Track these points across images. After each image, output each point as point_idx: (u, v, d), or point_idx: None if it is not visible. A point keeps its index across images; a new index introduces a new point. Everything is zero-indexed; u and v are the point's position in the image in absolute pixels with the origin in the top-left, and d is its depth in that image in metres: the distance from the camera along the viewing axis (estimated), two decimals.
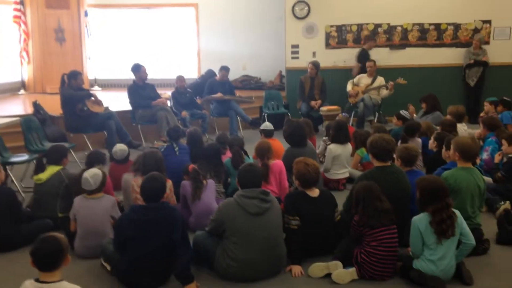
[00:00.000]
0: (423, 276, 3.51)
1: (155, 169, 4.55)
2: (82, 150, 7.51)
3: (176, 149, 5.71)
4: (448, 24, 10.13)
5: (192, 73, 12.19)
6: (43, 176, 4.82)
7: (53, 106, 8.17)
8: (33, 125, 6.58)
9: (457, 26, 10.13)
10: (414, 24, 10.19)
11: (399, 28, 10.24)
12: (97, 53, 12.41)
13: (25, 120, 6.52)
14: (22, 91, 11.38)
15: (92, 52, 12.20)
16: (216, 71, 9.68)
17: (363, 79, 9.35)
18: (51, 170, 4.86)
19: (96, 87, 12.11)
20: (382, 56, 10.04)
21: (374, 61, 9.35)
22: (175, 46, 12.77)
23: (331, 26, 10.31)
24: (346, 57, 10.28)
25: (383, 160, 4.18)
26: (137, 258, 3.60)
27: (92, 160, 4.90)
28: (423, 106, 7.91)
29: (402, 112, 7.54)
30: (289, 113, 9.61)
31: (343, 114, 7.95)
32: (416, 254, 3.60)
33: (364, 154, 5.96)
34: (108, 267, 3.93)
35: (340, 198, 4.59)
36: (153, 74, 11.10)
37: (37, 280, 2.67)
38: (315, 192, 4.05)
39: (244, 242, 3.65)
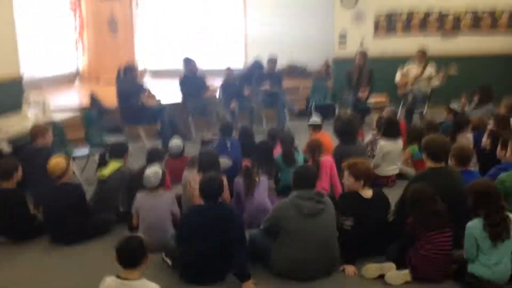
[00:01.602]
0: (479, 281, 3.55)
1: (211, 168, 4.73)
2: (137, 141, 7.77)
3: (228, 144, 5.85)
4: (503, 11, 9.81)
5: (238, 62, 12.30)
6: (106, 172, 5.06)
7: (108, 97, 8.45)
8: (93, 119, 6.87)
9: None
10: (467, 12, 9.93)
11: (450, 16, 10.01)
12: (147, 43, 12.69)
13: (86, 115, 6.81)
14: (77, 82, 11.79)
15: (143, 42, 12.47)
16: (263, 59, 9.74)
17: (413, 69, 9.19)
18: (113, 165, 5.09)
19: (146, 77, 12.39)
20: (433, 44, 9.85)
21: (423, 50, 9.17)
22: (223, 33, 12.86)
23: (380, 14, 10.17)
24: (395, 46, 10.15)
25: (438, 161, 4.19)
26: (196, 255, 3.78)
27: (153, 157, 5.10)
28: (476, 98, 7.73)
29: (452, 105, 7.46)
30: (336, 105, 9.59)
31: (390, 107, 7.87)
32: (470, 259, 3.63)
33: (416, 151, 5.94)
34: (169, 262, 4.14)
35: (390, 195, 4.58)
36: (200, 64, 11.42)
37: (118, 277, 2.86)
38: (368, 193, 4.12)
39: (299, 242, 3.78)
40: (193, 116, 8.55)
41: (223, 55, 12.57)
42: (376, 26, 10.24)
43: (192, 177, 4.81)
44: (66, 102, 9.12)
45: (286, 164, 5.56)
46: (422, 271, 3.70)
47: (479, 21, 9.93)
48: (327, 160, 5.25)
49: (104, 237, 4.84)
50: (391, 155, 5.77)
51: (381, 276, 3.82)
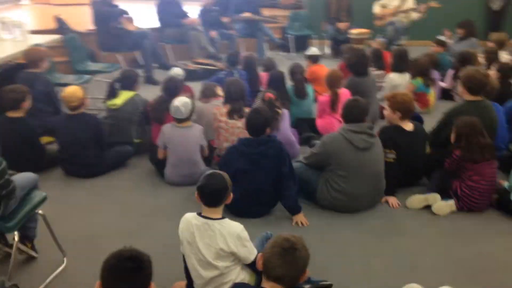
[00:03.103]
0: None
1: (240, 97, 4.53)
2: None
3: (237, 75, 5.60)
4: None
5: None
6: (118, 101, 4.71)
7: (69, 20, 7.79)
8: (77, 43, 6.32)
9: None
10: None
11: None
12: None
13: (69, 39, 6.25)
14: (25, 1, 10.76)
15: None
16: None
17: (392, 1, 9.15)
18: (125, 95, 4.75)
19: None
20: None
21: None
22: None
23: None
24: None
25: (478, 94, 4.22)
26: (247, 189, 3.64)
27: (170, 87, 4.77)
28: (460, 32, 7.85)
29: (441, 37, 7.54)
30: (312, 35, 9.42)
31: (381, 39, 7.84)
32: None
33: (419, 84, 5.98)
34: None
35: None
36: None
37: (200, 215, 2.69)
38: (409, 126, 4.10)
39: (352, 175, 3.73)
40: (170, 44, 8.09)
41: None
42: None
43: (217, 108, 4.58)
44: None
45: (297, 96, 5.44)
46: (469, 201, 3.79)
47: None
48: (344, 92, 5.17)
49: (121, 169, 4.59)
50: (399, 88, 5.76)
51: (425, 207, 3.88)
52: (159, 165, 4.39)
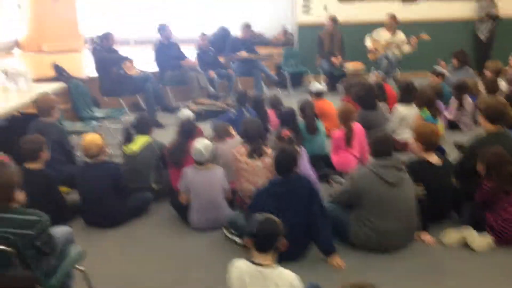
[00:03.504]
0: None
1: (258, 136, 4.51)
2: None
3: (247, 114, 5.59)
4: None
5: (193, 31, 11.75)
6: (135, 147, 4.65)
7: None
8: (81, 90, 6.27)
9: None
10: None
11: None
12: (91, 10, 11.78)
13: (74, 85, 6.21)
14: (16, 50, 10.73)
15: (87, 8, 11.57)
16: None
17: (384, 35, 9.33)
18: (142, 140, 4.69)
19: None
20: (394, 10, 9.99)
21: (394, 15, 9.31)
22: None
23: None
24: (360, 11, 10.20)
25: (498, 122, 4.24)
26: None
27: (187, 129, 4.73)
28: (454, 62, 8.01)
29: (438, 67, 7.68)
30: (308, 71, 9.52)
31: (378, 72, 7.94)
32: None
33: (427, 115, 6.02)
34: (238, 240, 3.91)
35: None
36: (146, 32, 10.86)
37: (252, 262, 2.62)
38: (435, 158, 4.09)
39: (385, 212, 3.68)
40: (171, 85, 8.09)
41: (176, 23, 11.94)
42: None
43: (237, 148, 4.54)
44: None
45: (309, 133, 5.43)
46: (507, 235, 3.74)
47: None
48: (358, 127, 5.18)
49: (142, 217, 4.49)
50: (407, 120, 5.80)
51: (461, 241, 3.83)
52: (182, 210, 4.31)
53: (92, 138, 4.20)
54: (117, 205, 4.28)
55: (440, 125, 6.17)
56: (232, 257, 3.72)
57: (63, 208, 4.25)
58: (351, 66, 8.91)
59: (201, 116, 7.24)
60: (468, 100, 6.51)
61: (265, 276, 2.56)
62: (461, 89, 6.42)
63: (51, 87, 6.00)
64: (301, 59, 9.71)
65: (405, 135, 5.87)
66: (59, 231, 2.96)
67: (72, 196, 4.58)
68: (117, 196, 4.29)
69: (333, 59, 9.16)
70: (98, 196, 4.20)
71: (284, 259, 3.56)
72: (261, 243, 2.62)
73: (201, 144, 4.16)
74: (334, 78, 9.11)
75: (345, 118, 5.14)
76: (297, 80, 9.62)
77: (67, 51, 10.42)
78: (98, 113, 6.28)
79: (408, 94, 5.87)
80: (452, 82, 7.22)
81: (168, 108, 7.64)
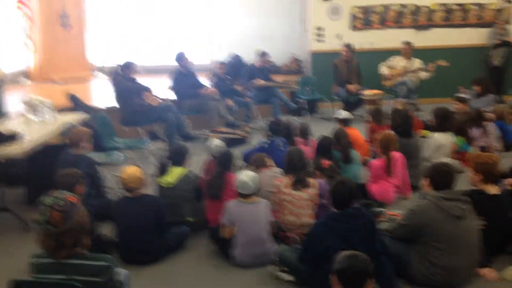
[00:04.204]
0: None
1: (303, 167, 4.34)
2: None
3: (281, 144, 5.42)
4: (472, 4, 10.18)
5: (203, 58, 11.69)
6: (171, 179, 4.45)
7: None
8: (106, 121, 6.09)
9: (481, 6, 10.20)
10: (440, 4, 10.18)
11: (425, 9, 10.20)
12: (101, 39, 11.70)
13: (100, 117, 6.03)
14: (26, 81, 10.58)
15: (97, 38, 11.49)
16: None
17: (400, 62, 9.27)
18: (178, 172, 4.49)
19: (101, 74, 11.49)
20: (408, 37, 9.99)
21: (409, 42, 9.28)
22: (182, 27, 12.15)
23: (357, 7, 10.14)
24: (373, 39, 10.18)
25: None
26: None
27: (225, 161, 4.55)
28: (477, 88, 7.91)
29: (462, 94, 7.58)
30: (324, 98, 9.42)
31: (400, 99, 7.80)
32: None
33: (462, 143, 5.90)
34: (289, 278, 3.68)
35: None
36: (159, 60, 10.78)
37: None
38: (493, 189, 3.91)
39: (450, 247, 3.48)
40: (190, 114, 7.93)
41: (185, 50, 11.86)
42: (353, 19, 10.17)
43: (279, 179, 4.35)
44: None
45: (344, 162, 5.26)
46: None
47: (451, 14, 10.21)
48: (398, 155, 5.02)
49: (180, 252, 4.25)
50: (444, 148, 5.66)
51: None
52: (224, 245, 4.09)
53: (133, 170, 4.00)
54: (156, 241, 4.06)
55: (473, 152, 6.04)
56: None
57: (99, 244, 4.02)
58: (369, 93, 8.80)
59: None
60: (490, 126, 6.38)
61: None
62: (480, 116, 6.30)
63: (75, 118, 5.83)
64: (316, 87, 9.61)
65: None
66: (122, 274, 2.74)
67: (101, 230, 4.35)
68: (157, 231, 4.07)
69: (350, 87, 9.05)
70: (137, 231, 3.98)
71: None
72: (350, 281, 2.42)
73: (247, 176, 3.97)
74: (350, 105, 8.98)
75: (385, 147, 4.99)
76: (313, 108, 9.53)
77: (77, 81, 10.32)
78: (121, 143, 6.09)
79: (444, 121, 5.73)
80: (474, 108, 7.12)
81: (188, 136, 7.46)
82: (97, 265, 2.49)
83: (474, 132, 6.23)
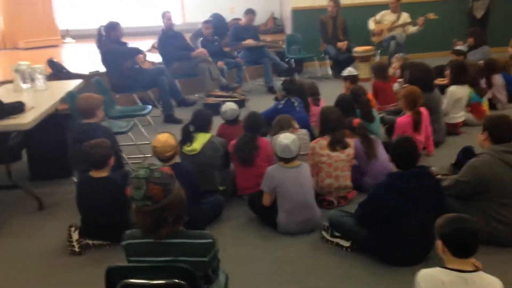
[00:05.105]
0: None
1: (340, 126, 4.13)
2: None
3: (296, 104, 5.15)
4: None
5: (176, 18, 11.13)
6: (197, 146, 4.14)
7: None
8: (103, 87, 5.64)
9: None
10: None
11: None
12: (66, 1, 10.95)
13: (97, 82, 5.56)
14: None
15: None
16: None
17: (387, 16, 9.05)
18: (202, 138, 4.18)
19: (68, 39, 10.81)
20: None
21: None
22: None
23: None
24: None
25: None
26: (405, 232, 3.20)
27: (254, 124, 4.26)
28: (470, 40, 7.82)
29: (459, 47, 7.50)
30: (314, 57, 9.15)
31: (400, 54, 7.62)
32: None
33: (473, 95, 5.80)
34: (346, 243, 3.49)
35: (458, 143, 4.72)
36: (129, 22, 10.15)
37: (448, 269, 2.24)
38: None
39: None
40: (179, 78, 7.52)
41: (155, 11, 11.26)
42: None
43: (317, 141, 4.12)
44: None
45: (366, 120, 5.06)
46: None
47: None
48: (425, 111, 4.86)
49: (216, 223, 3.98)
50: (461, 101, 5.55)
51: None
52: (265, 213, 3.86)
53: (165, 138, 3.64)
54: (194, 211, 3.74)
55: (486, 104, 5.99)
56: (343, 262, 3.38)
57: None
58: (361, 49, 8.59)
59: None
60: (497, 78, 6.32)
61: (470, 283, 2.20)
62: (490, 68, 6.22)
63: (72, 85, 5.36)
64: (304, 45, 9.31)
65: (458, 117, 5.63)
66: None
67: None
68: (192, 200, 3.77)
69: (339, 44, 8.81)
70: None
71: (407, 263, 3.25)
72: (460, 246, 2.25)
73: (287, 139, 3.70)
74: (340, 63, 8.76)
75: (412, 103, 4.80)
76: (301, 66, 9.29)
77: (45, 46, 9.66)
78: (124, 111, 5.68)
79: (460, 74, 5.59)
80: (470, 60, 7.04)
81: (185, 102, 7.09)
82: (203, 243, 2.22)
83: (481, 83, 6.16)
